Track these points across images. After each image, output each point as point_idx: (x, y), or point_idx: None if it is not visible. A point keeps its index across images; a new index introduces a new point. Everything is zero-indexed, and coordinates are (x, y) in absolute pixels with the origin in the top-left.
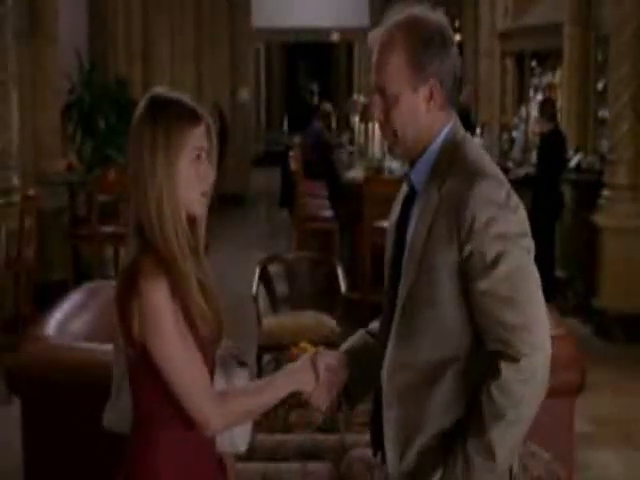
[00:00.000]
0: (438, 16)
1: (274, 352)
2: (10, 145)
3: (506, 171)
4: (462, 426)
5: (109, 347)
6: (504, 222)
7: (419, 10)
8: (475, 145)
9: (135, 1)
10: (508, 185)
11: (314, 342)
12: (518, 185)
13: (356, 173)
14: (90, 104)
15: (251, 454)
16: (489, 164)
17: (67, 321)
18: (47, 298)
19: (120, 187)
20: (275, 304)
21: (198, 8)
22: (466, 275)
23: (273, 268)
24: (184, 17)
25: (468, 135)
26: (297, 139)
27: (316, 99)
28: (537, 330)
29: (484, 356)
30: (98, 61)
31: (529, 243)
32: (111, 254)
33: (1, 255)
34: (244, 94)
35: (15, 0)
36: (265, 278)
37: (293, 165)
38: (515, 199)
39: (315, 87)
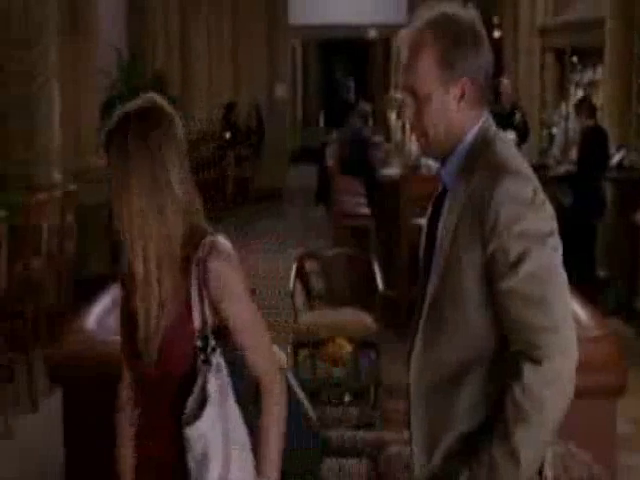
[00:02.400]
0: (469, 13)
1: (310, 348)
2: (52, 142)
3: (546, 169)
4: (487, 429)
5: None
6: (529, 220)
7: (450, 7)
8: (506, 143)
9: None
10: (535, 182)
11: (350, 339)
12: (558, 183)
13: (392, 170)
14: (129, 99)
15: None
16: (517, 161)
17: (106, 315)
18: (86, 292)
19: None
20: (311, 300)
21: (235, 5)
22: (490, 274)
23: (310, 264)
24: (221, 14)
25: (500, 133)
26: (334, 136)
27: (352, 96)
28: (563, 332)
29: (509, 358)
30: (137, 58)
31: (555, 242)
32: None
33: (43, 250)
34: (281, 91)
35: None
36: (302, 274)
37: (330, 162)
38: (541, 196)
39: (351, 84)
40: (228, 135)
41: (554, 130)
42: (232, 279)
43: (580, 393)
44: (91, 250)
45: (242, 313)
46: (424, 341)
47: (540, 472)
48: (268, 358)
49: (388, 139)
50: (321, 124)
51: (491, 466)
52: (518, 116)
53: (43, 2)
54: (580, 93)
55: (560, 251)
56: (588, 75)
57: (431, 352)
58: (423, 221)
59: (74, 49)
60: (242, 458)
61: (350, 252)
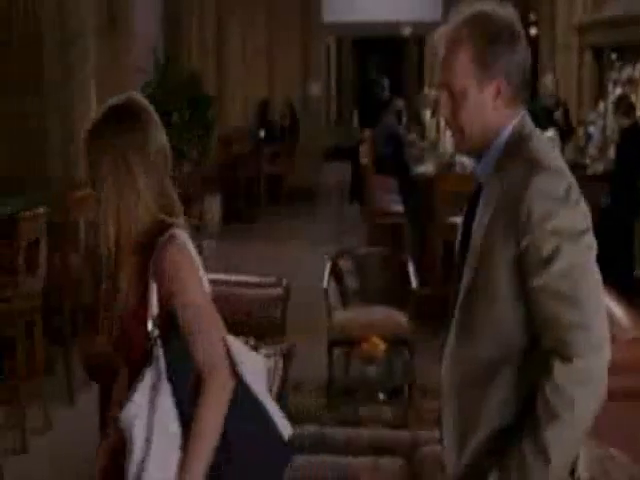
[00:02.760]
0: (507, 12)
1: (344, 346)
2: None
3: (583, 167)
4: (517, 426)
5: None
6: (562, 217)
7: (487, 6)
8: (542, 141)
9: None
10: (570, 179)
11: (385, 337)
12: (596, 182)
13: (427, 168)
14: (164, 99)
15: (322, 447)
16: (552, 158)
17: None
18: None
19: (193, 180)
20: (345, 298)
21: (270, 4)
22: (523, 270)
23: (344, 262)
24: (256, 13)
25: (537, 131)
26: (368, 133)
27: (386, 94)
28: (595, 330)
29: (540, 355)
30: (172, 57)
31: (590, 240)
32: None
33: (80, 246)
34: (315, 89)
35: None
36: (336, 272)
37: (363, 159)
38: (576, 194)
39: (386, 82)
40: (262, 133)
41: (591, 129)
42: (182, 271)
43: (618, 395)
44: None
45: (187, 304)
46: (456, 337)
47: (572, 472)
48: (209, 351)
49: (422, 137)
50: (355, 122)
51: (521, 464)
52: (558, 114)
53: (81, 3)
54: (618, 91)
55: (594, 250)
56: (627, 72)
57: (463, 348)
58: (457, 219)
59: (111, 49)
60: (163, 457)
61: (384, 250)
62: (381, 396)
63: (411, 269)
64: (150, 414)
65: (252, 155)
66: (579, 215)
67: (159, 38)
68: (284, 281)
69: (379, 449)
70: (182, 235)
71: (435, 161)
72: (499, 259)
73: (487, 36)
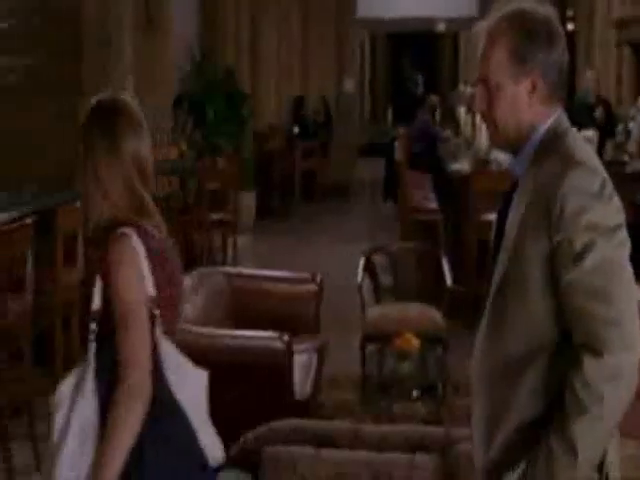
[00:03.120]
0: (547, 10)
1: (378, 342)
2: None
3: (622, 164)
4: (546, 420)
5: (217, 331)
6: (595, 212)
7: (527, 3)
8: (578, 139)
9: None
10: (604, 175)
11: (419, 334)
12: (634, 180)
13: (462, 165)
14: (200, 94)
15: (357, 443)
16: (587, 154)
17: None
18: None
19: (228, 175)
20: (379, 295)
21: (304, 0)
22: (555, 265)
23: (378, 259)
24: (291, 9)
25: (573, 130)
26: (402, 130)
27: (421, 90)
28: (625, 326)
29: (570, 350)
30: (208, 53)
31: (623, 236)
32: (219, 241)
33: None
34: (349, 85)
35: None
36: (370, 268)
37: (398, 156)
38: (609, 190)
39: (420, 78)
40: (296, 129)
41: (630, 125)
42: (122, 269)
43: None
44: None
45: (120, 301)
46: (487, 331)
47: (600, 469)
48: (130, 350)
49: (457, 134)
50: (389, 118)
51: (548, 457)
52: (599, 111)
53: (120, 2)
54: None
55: (628, 246)
56: None
57: (493, 341)
58: (492, 217)
59: (149, 47)
60: (75, 456)
61: (418, 247)
62: (415, 393)
63: (445, 266)
64: (70, 408)
65: (286, 151)
66: (613, 211)
67: (195, 36)
68: (318, 277)
69: (413, 446)
70: (133, 234)
71: (470, 158)
72: (531, 253)
73: (525, 32)
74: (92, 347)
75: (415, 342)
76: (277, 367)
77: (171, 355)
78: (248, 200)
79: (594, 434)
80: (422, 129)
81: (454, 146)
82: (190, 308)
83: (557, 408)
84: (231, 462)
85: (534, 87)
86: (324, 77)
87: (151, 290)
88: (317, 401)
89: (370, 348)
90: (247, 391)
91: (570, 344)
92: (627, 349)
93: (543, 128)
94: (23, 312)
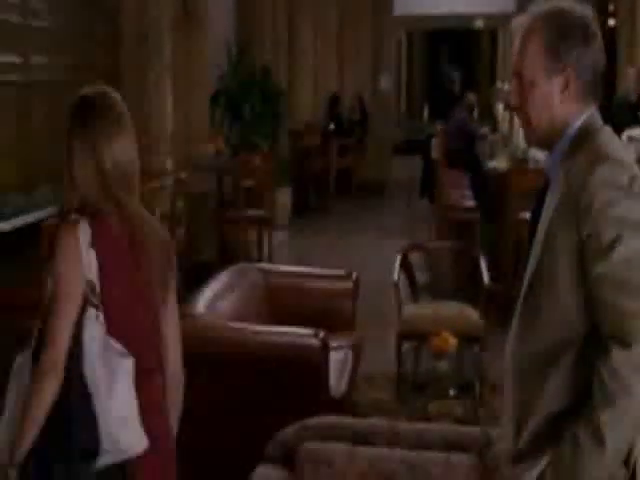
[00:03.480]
0: (584, 10)
1: (414, 341)
2: (164, 131)
3: None
4: (575, 411)
5: (253, 327)
6: (623, 206)
7: (566, 2)
8: (610, 136)
9: None
10: (634, 171)
11: (455, 333)
12: None
13: (499, 163)
14: (237, 92)
15: (393, 441)
16: (617, 150)
17: (215, 300)
18: (194, 278)
19: (264, 172)
20: (416, 293)
21: None
22: (583, 258)
23: (414, 256)
24: (328, 6)
25: (606, 128)
26: (439, 127)
27: (458, 87)
28: None
29: (599, 342)
30: (245, 50)
31: None
32: (255, 237)
33: None
34: (385, 82)
35: None
36: (406, 266)
37: (435, 154)
38: (639, 185)
39: (457, 75)
40: (332, 126)
41: None
42: (60, 254)
43: None
44: (200, 237)
45: (53, 285)
46: (519, 323)
47: (627, 462)
48: (50, 333)
49: (494, 131)
50: (425, 116)
51: (576, 447)
52: None
53: None
54: None
55: None
56: None
57: (525, 334)
58: (529, 215)
59: (186, 43)
60: (12, 424)
61: (455, 245)
62: (451, 392)
63: (483, 265)
64: (14, 384)
65: (322, 148)
66: None
67: (232, 33)
68: (354, 274)
69: (450, 445)
70: (84, 222)
71: (507, 156)
72: (561, 246)
73: (560, 30)
74: (36, 329)
75: (452, 341)
76: (313, 364)
77: (96, 340)
78: (284, 197)
79: (622, 425)
80: (459, 127)
81: (491, 144)
82: (226, 304)
83: (586, 398)
84: (267, 458)
85: (567, 85)
86: (360, 74)
87: (92, 276)
88: (352, 399)
89: (406, 346)
90: (283, 387)
91: (599, 337)
92: None
93: (575, 126)
94: None
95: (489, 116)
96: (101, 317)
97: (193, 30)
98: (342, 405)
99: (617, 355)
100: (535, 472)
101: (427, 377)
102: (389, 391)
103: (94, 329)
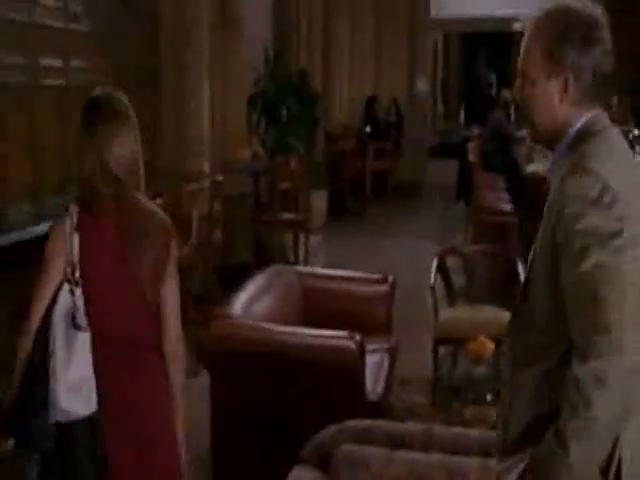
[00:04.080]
0: (590, 11)
1: (451, 345)
2: (202, 133)
3: None
4: (554, 414)
5: (289, 329)
6: (591, 218)
7: (575, 2)
8: (607, 142)
9: None
10: (607, 182)
11: (493, 338)
12: None
13: (537, 167)
14: (274, 95)
15: (430, 445)
16: (598, 160)
17: (251, 302)
18: (230, 279)
19: (300, 175)
20: (452, 296)
21: (378, 0)
22: (558, 263)
23: (450, 260)
24: (363, 9)
25: (609, 132)
26: (476, 130)
27: (494, 90)
28: (616, 333)
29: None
30: (281, 54)
31: (622, 242)
32: (290, 240)
33: (193, 237)
34: (421, 85)
35: None
36: (443, 270)
37: (471, 156)
38: (610, 197)
39: (493, 77)
40: (368, 129)
41: None
42: (45, 250)
43: None
44: (236, 239)
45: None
46: (515, 325)
47: (606, 472)
48: (29, 308)
49: None
50: (461, 119)
51: (546, 454)
52: None
53: (195, 1)
54: None
55: (629, 252)
56: None
57: (516, 335)
58: None
59: (224, 46)
60: None
61: (492, 249)
62: (488, 397)
63: (520, 269)
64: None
65: (358, 151)
66: (610, 218)
67: (269, 35)
68: (390, 278)
69: (486, 450)
70: (75, 209)
71: (545, 159)
72: (545, 253)
73: (559, 32)
74: None
75: (489, 346)
76: (349, 367)
77: (64, 311)
78: (319, 200)
79: (586, 436)
80: (495, 129)
81: (528, 147)
82: (263, 305)
83: (560, 404)
84: (303, 460)
85: (566, 88)
86: (396, 77)
87: (73, 257)
88: (388, 402)
89: (442, 350)
90: (319, 390)
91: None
92: (614, 356)
93: (575, 128)
94: None
95: (527, 119)
96: (78, 292)
97: (230, 33)
98: (378, 408)
99: (578, 367)
100: (515, 473)
101: (463, 382)
102: (425, 395)
103: (64, 302)
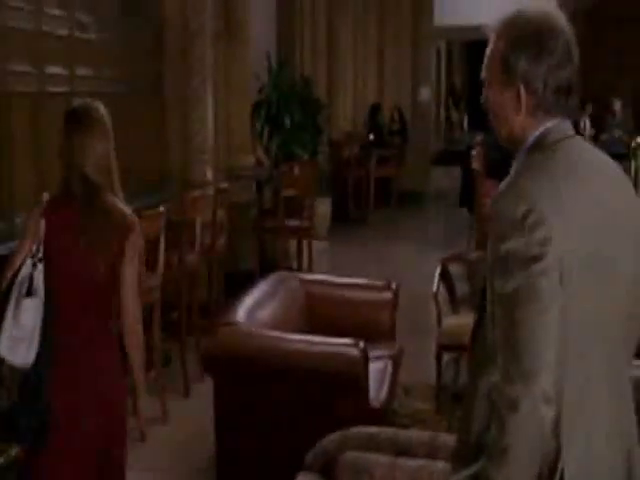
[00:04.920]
0: (548, 21)
1: (454, 352)
2: (205, 141)
3: None
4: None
5: (293, 336)
6: (513, 241)
7: (534, 11)
8: (555, 157)
9: (321, 4)
10: (534, 204)
11: None
12: None
13: None
14: (277, 102)
15: (434, 453)
16: (538, 178)
17: (255, 309)
18: (234, 286)
19: (304, 182)
20: (455, 304)
21: (381, 8)
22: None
23: (454, 267)
24: (368, 17)
25: (560, 145)
26: (480, 138)
27: None
28: (526, 358)
29: None
30: (285, 62)
31: (544, 266)
32: (294, 247)
33: (197, 244)
34: (424, 93)
35: (213, 5)
36: (446, 277)
37: (475, 164)
38: (535, 218)
39: None
40: (372, 136)
41: None
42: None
43: None
44: (240, 246)
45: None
46: (477, 332)
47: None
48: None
49: None
50: (465, 126)
51: (483, 468)
52: None
53: (199, 9)
54: None
55: (553, 276)
56: None
57: (479, 340)
58: None
59: (227, 54)
60: None
61: None
62: None
63: None
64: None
65: (361, 158)
66: (532, 241)
67: (272, 44)
68: (394, 285)
69: None
70: (47, 199)
71: None
72: (487, 265)
73: (512, 39)
74: None
75: None
76: (353, 374)
77: (23, 278)
78: (324, 207)
79: (505, 463)
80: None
81: None
82: (266, 312)
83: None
84: (307, 467)
85: (518, 98)
86: (400, 85)
87: (39, 237)
88: (392, 409)
89: (446, 358)
90: (322, 397)
91: None
92: (523, 382)
93: (531, 139)
94: None
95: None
96: (39, 267)
97: (235, 41)
98: (381, 415)
99: (494, 389)
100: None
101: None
102: (429, 402)
103: (25, 271)
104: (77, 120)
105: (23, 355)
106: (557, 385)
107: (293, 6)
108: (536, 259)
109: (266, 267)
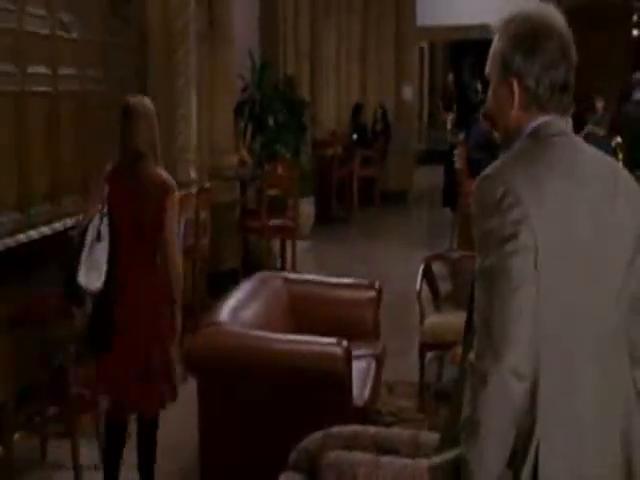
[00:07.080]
0: (546, 21)
1: (437, 350)
2: (189, 141)
3: None
4: None
5: (276, 335)
6: (490, 221)
7: (531, 6)
8: (542, 146)
9: (304, 3)
10: (510, 185)
11: None
12: None
13: None
14: (261, 102)
15: (417, 451)
16: (520, 164)
17: (239, 309)
18: (218, 286)
19: (288, 182)
20: (438, 302)
21: (365, 8)
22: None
23: (437, 266)
24: (351, 17)
25: (552, 140)
26: (462, 137)
27: (480, 97)
28: (495, 336)
29: None
30: (269, 61)
31: (516, 246)
32: (278, 246)
33: (180, 243)
34: (407, 92)
35: (197, 5)
36: (429, 276)
37: (458, 164)
38: (510, 200)
39: (479, 85)
40: (355, 136)
41: None
42: None
43: None
44: (224, 246)
45: None
46: (469, 323)
47: (517, 473)
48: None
49: None
50: (448, 126)
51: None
52: None
53: (183, 10)
54: None
55: (525, 256)
56: None
57: (468, 334)
58: None
59: (211, 54)
60: None
61: None
62: None
63: None
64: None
65: (345, 158)
66: (507, 221)
67: (255, 44)
68: (377, 284)
69: None
70: (109, 168)
71: None
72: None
73: (510, 37)
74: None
75: None
76: (336, 373)
77: (94, 225)
78: (307, 206)
79: (473, 440)
80: (480, 135)
81: None
82: (250, 312)
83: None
84: (291, 466)
85: (512, 93)
86: (383, 85)
87: (103, 196)
88: (375, 408)
89: (429, 356)
90: (305, 396)
91: None
92: (493, 358)
93: (524, 135)
94: None
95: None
96: (105, 220)
97: (218, 41)
98: (364, 414)
99: (469, 366)
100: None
101: (450, 387)
102: (412, 400)
103: (95, 221)
104: (130, 112)
105: (95, 282)
106: (531, 362)
107: (276, 6)
108: (509, 239)
109: (250, 267)
